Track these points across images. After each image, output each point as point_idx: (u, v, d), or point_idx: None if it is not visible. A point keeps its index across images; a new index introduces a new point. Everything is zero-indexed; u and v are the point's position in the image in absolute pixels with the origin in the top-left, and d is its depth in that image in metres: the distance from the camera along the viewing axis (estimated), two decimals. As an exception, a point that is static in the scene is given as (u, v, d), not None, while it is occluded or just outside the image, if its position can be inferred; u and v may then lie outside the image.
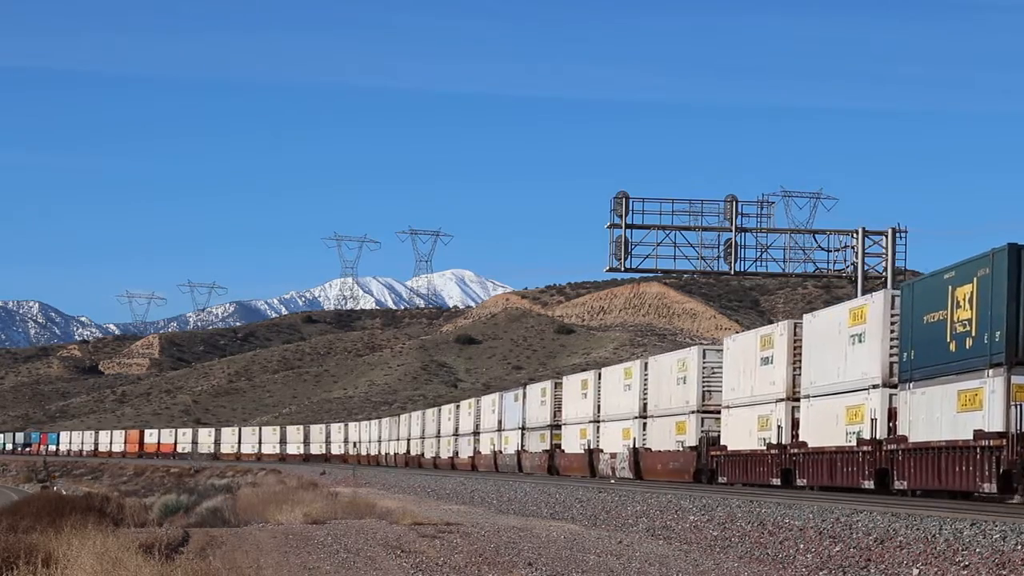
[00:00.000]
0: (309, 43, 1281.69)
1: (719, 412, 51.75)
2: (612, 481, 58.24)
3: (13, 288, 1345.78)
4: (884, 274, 64.45)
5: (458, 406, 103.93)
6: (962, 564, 20.43)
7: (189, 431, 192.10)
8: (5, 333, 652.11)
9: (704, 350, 54.72)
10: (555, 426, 74.24)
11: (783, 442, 45.08)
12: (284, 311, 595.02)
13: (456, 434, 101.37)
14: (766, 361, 47.04)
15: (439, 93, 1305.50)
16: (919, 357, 35.83)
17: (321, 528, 33.62)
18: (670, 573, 23.31)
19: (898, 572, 21.28)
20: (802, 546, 24.69)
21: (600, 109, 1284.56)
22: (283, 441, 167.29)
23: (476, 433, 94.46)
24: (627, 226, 64.14)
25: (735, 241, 64.42)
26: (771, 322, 67.83)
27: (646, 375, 59.94)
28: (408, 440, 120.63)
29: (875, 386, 38.90)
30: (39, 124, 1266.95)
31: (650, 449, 58.93)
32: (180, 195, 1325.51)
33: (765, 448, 46.36)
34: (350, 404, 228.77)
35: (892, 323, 38.31)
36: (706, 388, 53.32)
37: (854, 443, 39.63)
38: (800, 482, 43.73)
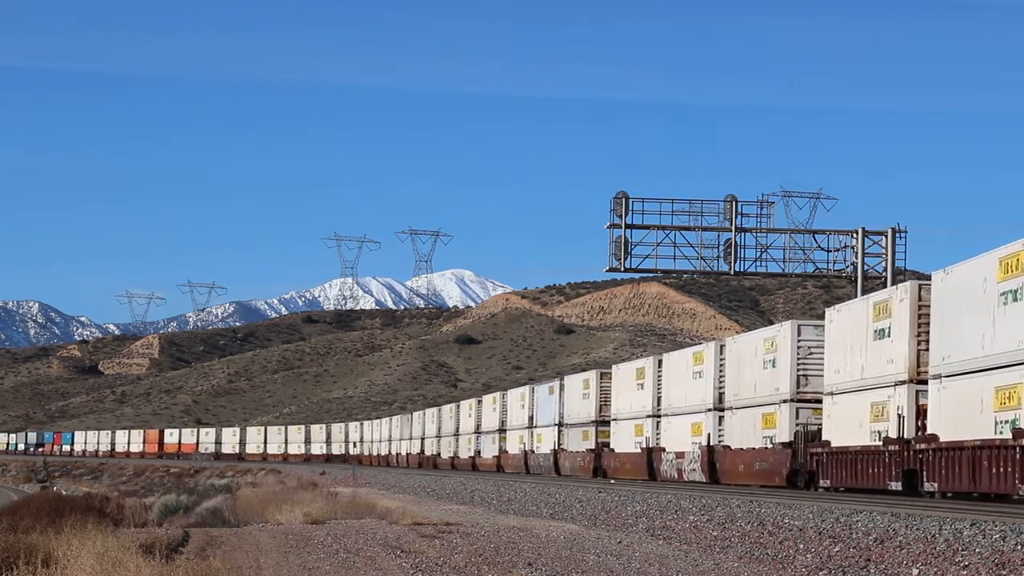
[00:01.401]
0: (309, 43, 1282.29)
1: (819, 400, 43.41)
2: (685, 480, 53.11)
3: (13, 288, 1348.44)
4: (884, 274, 64.46)
5: (479, 401, 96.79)
6: (962, 564, 20.43)
7: (212, 431, 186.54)
8: (5, 333, 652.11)
9: (799, 326, 46.12)
10: (602, 422, 66.22)
11: (905, 436, 36.40)
12: (284, 311, 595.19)
13: (478, 432, 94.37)
14: (881, 334, 38.55)
15: (439, 93, 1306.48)
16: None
17: (321, 528, 33.62)
18: (670, 573, 23.31)
19: (898, 572, 21.28)
20: (802, 546, 24.69)
21: (600, 109, 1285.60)
22: (308, 441, 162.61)
23: (502, 431, 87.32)
24: (627, 226, 64.13)
25: (735, 241, 64.42)
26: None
27: (722, 359, 51.67)
28: (422, 439, 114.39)
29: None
30: (39, 124, 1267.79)
31: (729, 447, 50.44)
32: (180, 195, 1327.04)
33: (881, 444, 37.68)
34: (350, 404, 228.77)
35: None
36: (802, 372, 45.15)
37: (1007, 436, 30.87)
38: (929, 487, 34.96)
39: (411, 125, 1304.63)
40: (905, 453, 36.06)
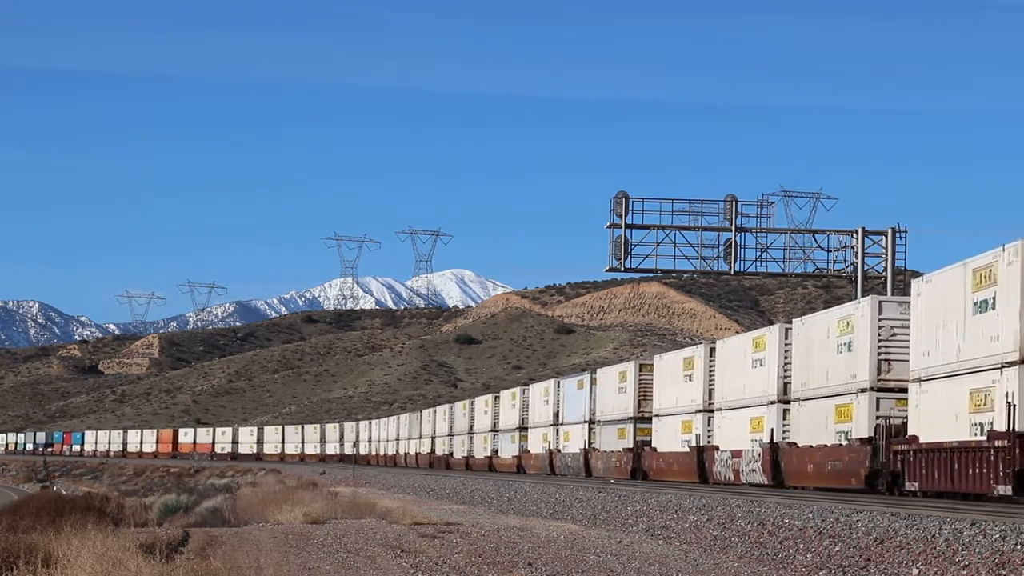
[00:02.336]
0: (309, 43, 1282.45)
1: (904, 389, 37.47)
2: (745, 484, 47.72)
3: (13, 288, 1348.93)
4: (884, 274, 64.46)
5: (497, 397, 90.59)
6: (962, 564, 20.43)
7: (229, 430, 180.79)
8: (5, 333, 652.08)
9: (880, 302, 40.17)
10: (641, 418, 60.40)
11: (1017, 428, 30.24)
12: (284, 311, 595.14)
13: (495, 430, 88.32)
14: (983, 307, 32.42)
15: (439, 93, 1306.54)
16: None
17: (321, 528, 33.62)
18: (670, 573, 23.31)
19: (898, 572, 21.28)
20: (802, 546, 24.68)
21: (600, 109, 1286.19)
22: (323, 440, 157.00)
23: (522, 428, 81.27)
24: (627, 226, 64.13)
25: (735, 241, 64.43)
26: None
27: (787, 344, 45.77)
28: (433, 438, 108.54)
29: None
30: (39, 124, 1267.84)
31: (795, 444, 44.36)
32: (180, 195, 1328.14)
33: (984, 439, 31.47)
34: (350, 404, 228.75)
35: None
36: (884, 356, 39.49)
37: None
38: None
39: (411, 125, 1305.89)
40: (1017, 450, 29.90)
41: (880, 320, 39.56)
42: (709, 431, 52.55)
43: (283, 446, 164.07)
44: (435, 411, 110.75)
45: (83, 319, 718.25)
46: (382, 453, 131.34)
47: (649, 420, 59.56)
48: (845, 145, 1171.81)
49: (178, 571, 21.40)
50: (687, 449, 54.21)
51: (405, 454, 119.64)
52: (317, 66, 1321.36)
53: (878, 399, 39.10)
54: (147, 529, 35.79)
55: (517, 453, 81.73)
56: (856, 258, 64.83)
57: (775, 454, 45.52)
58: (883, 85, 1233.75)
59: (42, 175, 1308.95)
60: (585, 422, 68.18)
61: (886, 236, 64.83)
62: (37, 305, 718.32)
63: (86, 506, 47.24)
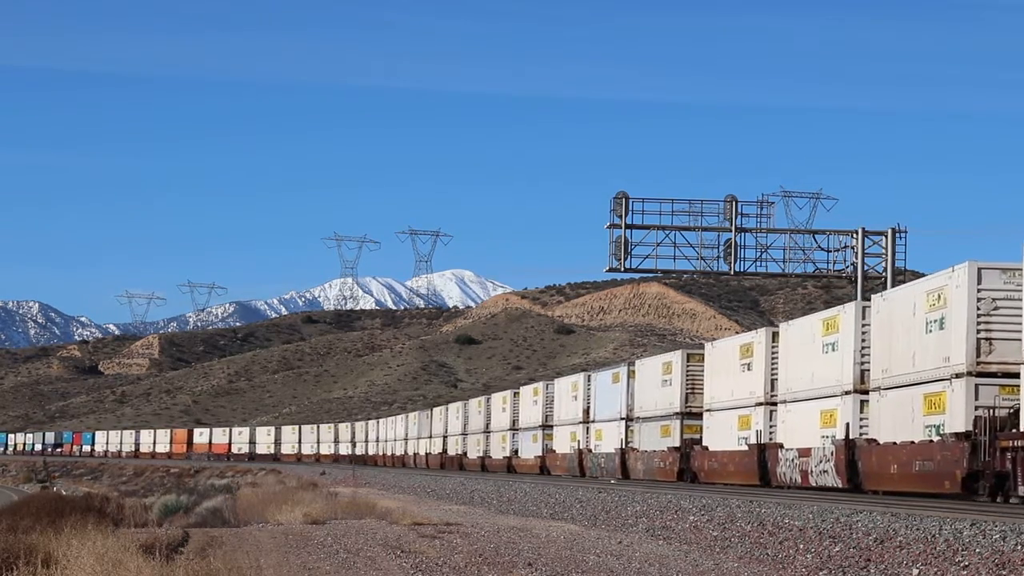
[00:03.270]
0: (309, 43, 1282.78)
1: (1010, 374, 32.93)
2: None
3: (13, 288, 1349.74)
4: (884, 274, 64.45)
5: (516, 393, 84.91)
6: (962, 564, 20.42)
7: (246, 430, 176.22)
8: (5, 333, 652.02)
9: (980, 270, 34.29)
10: (689, 414, 54.90)
11: None
12: (284, 311, 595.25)
13: (514, 428, 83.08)
14: None
15: (439, 93, 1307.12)
16: None
17: (321, 528, 33.62)
18: (670, 573, 23.30)
19: (898, 572, 21.28)
20: (802, 546, 24.68)
21: (600, 109, 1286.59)
22: (336, 440, 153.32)
23: (546, 427, 75.96)
24: (627, 226, 64.11)
25: (735, 241, 64.40)
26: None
27: (865, 324, 40.28)
28: (444, 437, 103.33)
29: None
30: (39, 124, 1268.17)
31: (875, 441, 38.76)
32: (180, 195, 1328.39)
33: None
34: (350, 404, 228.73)
35: None
36: (984, 334, 33.93)
37: None
38: None
39: (411, 125, 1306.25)
40: None
41: (979, 291, 33.94)
42: (771, 426, 46.65)
43: (299, 446, 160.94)
44: (447, 409, 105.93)
45: (83, 319, 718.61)
46: (389, 453, 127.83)
47: (698, 416, 54.20)
48: (845, 145, 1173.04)
49: (178, 571, 21.40)
50: (745, 447, 48.30)
51: (414, 454, 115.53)
52: (317, 66, 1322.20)
53: (977, 386, 33.54)
54: (147, 529, 35.77)
55: (540, 453, 76.59)
56: (856, 258, 64.82)
57: (851, 453, 39.85)
58: (883, 85, 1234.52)
59: (42, 175, 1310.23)
60: (621, 419, 62.60)
61: (886, 236, 64.82)
62: (37, 305, 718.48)
63: (86, 506, 47.20)
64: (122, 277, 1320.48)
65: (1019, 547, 20.43)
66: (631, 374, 62.10)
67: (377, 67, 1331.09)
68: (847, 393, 40.66)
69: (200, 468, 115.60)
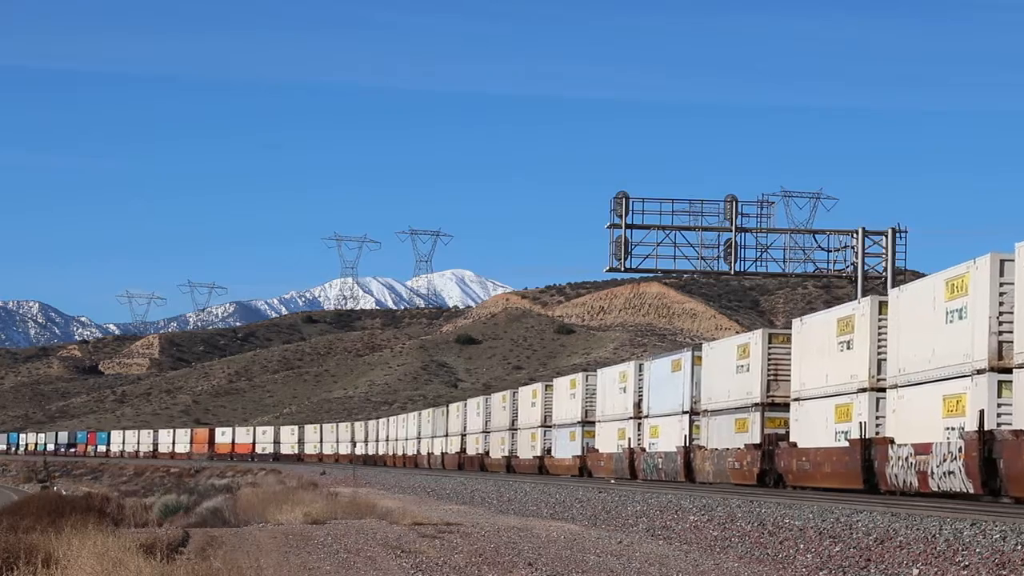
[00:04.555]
0: (309, 43, 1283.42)
1: None
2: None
3: (13, 288, 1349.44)
4: (884, 274, 64.48)
5: (548, 386, 76.32)
6: (962, 564, 20.42)
7: (270, 429, 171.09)
8: (5, 333, 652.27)
9: None
10: (771, 405, 46.23)
11: None
12: (284, 311, 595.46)
13: (546, 425, 74.71)
14: None
15: (439, 93, 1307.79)
16: None
17: (321, 528, 33.62)
18: (670, 573, 23.31)
19: (898, 572, 21.28)
20: (802, 546, 24.68)
21: (600, 109, 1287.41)
22: (353, 440, 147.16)
23: (585, 423, 67.50)
24: (627, 226, 64.15)
25: (735, 241, 64.45)
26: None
27: (1003, 282, 31.44)
28: (463, 436, 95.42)
29: None
30: (39, 124, 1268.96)
31: (1021, 433, 29.88)
32: (180, 195, 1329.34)
33: None
34: (350, 404, 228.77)
35: None
36: None
37: None
38: None
39: (411, 125, 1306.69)
40: None
41: None
42: (879, 417, 38.18)
43: (321, 446, 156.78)
44: (466, 405, 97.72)
45: (83, 319, 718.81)
46: (400, 453, 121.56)
47: (783, 407, 45.56)
48: (845, 145, 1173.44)
49: (178, 571, 21.41)
50: (844, 443, 39.58)
51: (428, 454, 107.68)
52: (317, 66, 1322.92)
53: None
54: (147, 529, 35.78)
55: (580, 453, 67.87)
56: (856, 258, 64.85)
57: (987, 448, 30.92)
58: (883, 85, 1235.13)
59: (42, 175, 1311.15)
60: (684, 413, 53.89)
61: (886, 236, 64.85)
62: (37, 305, 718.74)
63: (86, 506, 47.24)
64: (122, 277, 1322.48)
65: (1019, 547, 20.43)
66: (696, 360, 53.36)
67: (377, 67, 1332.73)
68: (980, 372, 31.69)
69: (200, 468, 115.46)
